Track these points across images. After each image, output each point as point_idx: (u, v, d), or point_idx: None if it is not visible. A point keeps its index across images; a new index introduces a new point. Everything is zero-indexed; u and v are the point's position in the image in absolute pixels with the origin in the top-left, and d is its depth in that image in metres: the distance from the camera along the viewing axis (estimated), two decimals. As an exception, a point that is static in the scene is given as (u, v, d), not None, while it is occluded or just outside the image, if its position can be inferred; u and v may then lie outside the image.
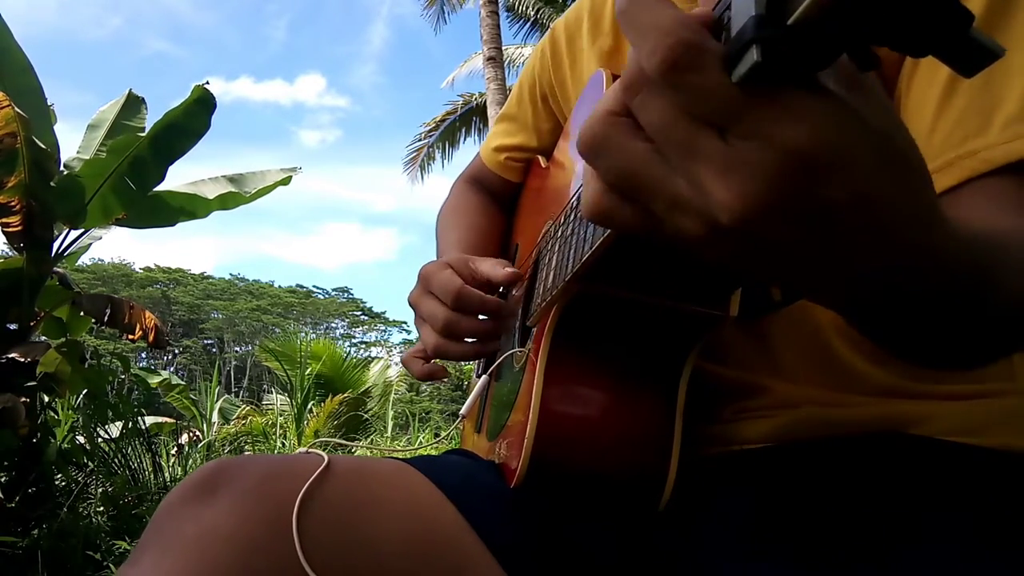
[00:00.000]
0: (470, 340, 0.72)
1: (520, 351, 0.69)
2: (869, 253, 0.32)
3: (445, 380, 0.81)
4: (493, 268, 0.72)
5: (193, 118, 3.87)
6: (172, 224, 4.46)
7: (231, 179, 4.54)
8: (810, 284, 0.35)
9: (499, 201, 1.07)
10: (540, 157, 0.98)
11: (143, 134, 3.88)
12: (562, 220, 0.64)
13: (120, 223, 4.17)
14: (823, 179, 0.28)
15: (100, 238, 4.33)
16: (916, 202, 0.32)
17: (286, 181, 4.61)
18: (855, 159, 0.28)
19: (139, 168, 3.82)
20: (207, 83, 3.83)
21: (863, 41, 0.25)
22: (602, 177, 0.33)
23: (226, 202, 4.43)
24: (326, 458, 0.58)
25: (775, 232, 0.30)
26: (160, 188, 4.08)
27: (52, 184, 3.58)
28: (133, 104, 4.58)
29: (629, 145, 0.31)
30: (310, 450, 0.61)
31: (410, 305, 0.75)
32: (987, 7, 0.54)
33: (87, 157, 4.11)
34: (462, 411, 0.74)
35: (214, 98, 3.88)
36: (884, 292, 0.36)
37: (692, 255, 0.34)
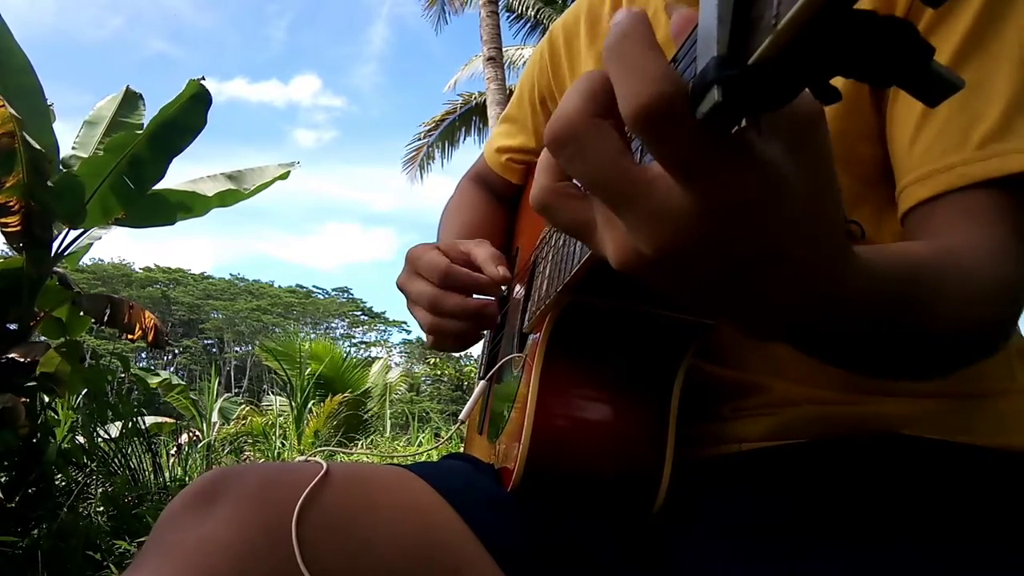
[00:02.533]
0: (460, 319, 0.70)
1: (518, 356, 0.70)
2: (780, 298, 0.35)
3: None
4: (476, 246, 0.72)
5: (190, 114, 3.81)
6: (172, 222, 4.44)
7: (230, 176, 4.52)
8: (731, 321, 0.37)
9: (502, 200, 1.07)
10: None
11: (140, 132, 3.87)
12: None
13: (120, 223, 4.15)
14: (738, 232, 0.31)
15: (100, 238, 4.32)
16: (827, 260, 0.35)
17: (285, 176, 4.60)
18: (770, 218, 0.31)
19: (137, 167, 3.79)
20: (203, 79, 3.81)
21: (824, 76, 0.25)
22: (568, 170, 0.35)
23: (225, 199, 4.41)
24: (325, 465, 0.58)
25: (689, 268, 0.33)
26: (159, 187, 4.06)
27: (51, 184, 3.57)
28: (131, 100, 4.57)
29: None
30: (309, 458, 0.61)
31: (398, 288, 0.75)
32: (969, 28, 0.55)
33: (84, 154, 4.10)
34: (461, 416, 0.74)
35: (209, 93, 3.83)
36: (806, 330, 0.40)
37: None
